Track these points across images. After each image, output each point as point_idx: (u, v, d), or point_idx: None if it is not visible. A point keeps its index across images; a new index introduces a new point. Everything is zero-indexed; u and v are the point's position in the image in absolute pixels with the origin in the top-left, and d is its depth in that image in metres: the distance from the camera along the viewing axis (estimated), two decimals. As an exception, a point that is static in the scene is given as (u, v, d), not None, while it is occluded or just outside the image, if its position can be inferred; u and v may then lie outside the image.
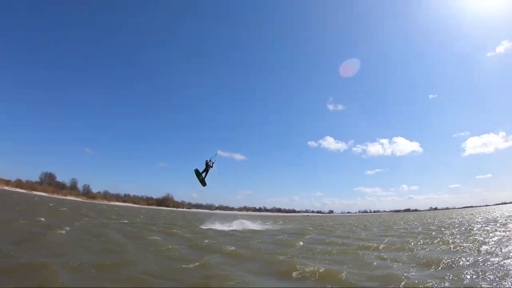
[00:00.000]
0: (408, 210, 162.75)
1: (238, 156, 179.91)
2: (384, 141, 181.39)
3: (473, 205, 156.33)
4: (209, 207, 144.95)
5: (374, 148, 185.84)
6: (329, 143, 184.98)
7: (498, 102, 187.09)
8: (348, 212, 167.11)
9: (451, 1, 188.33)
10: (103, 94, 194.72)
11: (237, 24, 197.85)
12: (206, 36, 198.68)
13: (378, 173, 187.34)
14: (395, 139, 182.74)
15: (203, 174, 22.90)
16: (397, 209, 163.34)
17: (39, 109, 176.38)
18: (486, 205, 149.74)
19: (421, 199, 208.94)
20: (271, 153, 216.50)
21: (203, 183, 23.10)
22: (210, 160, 22.41)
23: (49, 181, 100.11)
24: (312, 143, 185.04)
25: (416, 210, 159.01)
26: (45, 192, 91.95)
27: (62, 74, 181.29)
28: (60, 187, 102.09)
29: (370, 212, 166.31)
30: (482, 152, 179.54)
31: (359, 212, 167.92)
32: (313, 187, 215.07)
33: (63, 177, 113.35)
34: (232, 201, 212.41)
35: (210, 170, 22.81)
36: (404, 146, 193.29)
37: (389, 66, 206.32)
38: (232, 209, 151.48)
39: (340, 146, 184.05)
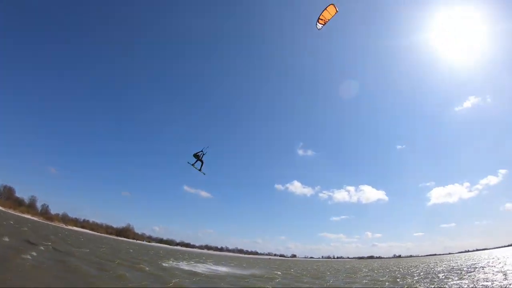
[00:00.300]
0: (371, 257, 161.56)
1: (204, 194, 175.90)
2: (351, 188, 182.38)
3: (437, 253, 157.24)
4: (170, 242, 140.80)
5: (341, 195, 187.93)
6: (296, 187, 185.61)
7: (464, 154, 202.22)
8: (311, 257, 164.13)
9: (423, 58, 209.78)
10: (73, 118, 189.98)
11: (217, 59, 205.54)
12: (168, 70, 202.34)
13: (343, 219, 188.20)
14: (362, 187, 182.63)
15: (199, 165, 20.99)
16: (361, 255, 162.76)
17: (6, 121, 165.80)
18: (450, 253, 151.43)
19: (385, 247, 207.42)
20: (237, 193, 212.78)
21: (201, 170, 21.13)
22: (201, 151, 20.75)
23: (7, 195, 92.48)
24: (279, 186, 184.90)
25: (379, 258, 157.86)
26: (2, 206, 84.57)
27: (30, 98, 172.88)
28: (18, 203, 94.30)
29: (334, 258, 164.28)
30: (447, 201, 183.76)
31: (322, 257, 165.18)
32: (277, 231, 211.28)
33: (22, 193, 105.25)
34: (194, 238, 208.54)
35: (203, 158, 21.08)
36: (370, 194, 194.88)
37: (359, 116, 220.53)
38: (193, 246, 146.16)
39: (307, 191, 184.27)
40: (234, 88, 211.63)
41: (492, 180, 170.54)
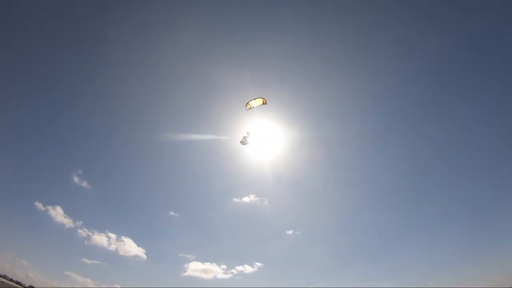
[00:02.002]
0: None
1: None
2: (113, 235, 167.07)
3: None
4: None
5: (100, 239, 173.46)
6: (58, 213, 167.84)
7: (230, 239, 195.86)
8: None
9: (226, 152, 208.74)
10: None
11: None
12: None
13: (95, 264, 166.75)
14: (124, 238, 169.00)
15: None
16: None
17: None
18: None
19: None
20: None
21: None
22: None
23: None
24: (39, 205, 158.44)
25: None
26: None
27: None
28: None
29: None
30: (202, 277, 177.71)
31: None
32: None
33: None
34: None
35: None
36: (130, 247, 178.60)
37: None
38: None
39: (68, 222, 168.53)
40: None
41: (247, 269, 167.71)
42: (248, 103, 19.66)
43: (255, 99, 19.36)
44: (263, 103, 19.31)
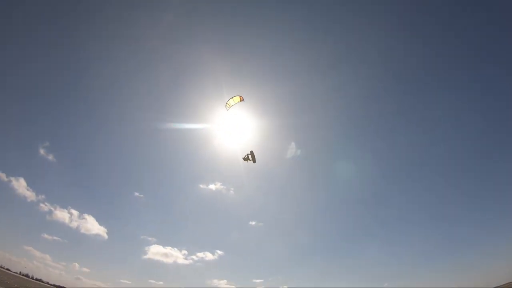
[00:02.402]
0: None
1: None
2: (75, 212, 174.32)
3: None
4: None
5: (63, 214, 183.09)
6: (21, 185, 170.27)
7: (193, 225, 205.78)
8: (8, 269, 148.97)
9: (199, 139, 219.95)
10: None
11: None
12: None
13: (55, 240, 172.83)
14: (87, 215, 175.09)
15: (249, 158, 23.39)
16: (63, 285, 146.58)
17: None
18: None
19: (89, 283, 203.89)
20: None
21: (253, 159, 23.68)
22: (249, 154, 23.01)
23: None
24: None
25: None
26: None
27: None
28: None
29: (33, 278, 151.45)
30: (162, 260, 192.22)
31: (20, 273, 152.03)
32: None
33: None
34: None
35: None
36: (92, 226, 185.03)
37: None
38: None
39: (30, 195, 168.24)
40: None
41: (208, 256, 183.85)
42: (226, 103, 20.47)
43: (232, 98, 20.18)
44: (240, 100, 20.30)
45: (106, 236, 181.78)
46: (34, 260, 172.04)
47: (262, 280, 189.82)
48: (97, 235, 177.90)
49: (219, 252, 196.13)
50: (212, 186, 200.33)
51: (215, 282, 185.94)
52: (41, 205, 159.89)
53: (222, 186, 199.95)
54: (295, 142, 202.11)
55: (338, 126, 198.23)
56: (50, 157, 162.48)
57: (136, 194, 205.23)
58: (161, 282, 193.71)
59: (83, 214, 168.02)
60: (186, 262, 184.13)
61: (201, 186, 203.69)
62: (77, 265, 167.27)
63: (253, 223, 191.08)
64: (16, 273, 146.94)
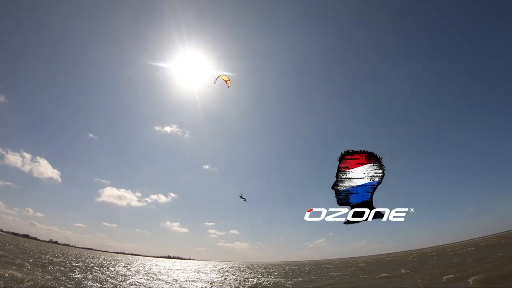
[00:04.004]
0: (27, 236, 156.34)
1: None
2: (28, 155, 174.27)
3: (93, 248, 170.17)
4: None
5: (14, 158, 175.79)
6: None
7: (148, 167, 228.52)
8: None
9: (158, 81, 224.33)
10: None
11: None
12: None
13: (7, 186, 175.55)
14: (40, 159, 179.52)
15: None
16: (17, 232, 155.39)
17: None
18: (106, 251, 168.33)
19: (44, 229, 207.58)
20: None
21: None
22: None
23: None
24: None
25: (35, 239, 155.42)
26: None
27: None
28: None
29: None
30: (116, 203, 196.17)
31: None
32: None
33: None
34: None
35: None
36: (45, 169, 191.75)
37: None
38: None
39: None
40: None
41: (162, 198, 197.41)
42: (218, 77, 21.14)
43: (223, 76, 21.00)
44: (226, 80, 21.12)
45: (59, 179, 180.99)
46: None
47: (214, 223, 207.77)
48: (51, 178, 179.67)
49: (173, 194, 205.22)
50: (167, 129, 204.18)
51: (168, 224, 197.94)
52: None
53: (178, 129, 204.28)
54: (253, 89, 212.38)
55: (296, 76, 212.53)
56: (2, 98, 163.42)
57: (91, 135, 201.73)
58: (115, 225, 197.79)
59: (36, 157, 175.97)
60: (140, 204, 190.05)
61: (157, 128, 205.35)
62: (31, 210, 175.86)
63: (207, 167, 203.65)
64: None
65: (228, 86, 21.03)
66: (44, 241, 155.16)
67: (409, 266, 25.09)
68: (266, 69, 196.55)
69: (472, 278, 11.86)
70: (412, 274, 18.01)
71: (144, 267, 34.84)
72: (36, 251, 34.37)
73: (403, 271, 19.84)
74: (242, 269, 44.67)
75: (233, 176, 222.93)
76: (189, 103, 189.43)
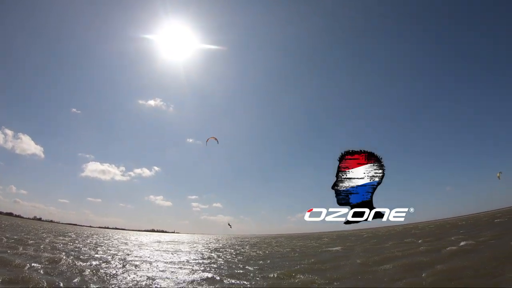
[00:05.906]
0: (10, 214, 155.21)
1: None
2: (10, 132, 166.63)
3: (78, 224, 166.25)
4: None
5: None
6: None
7: (132, 141, 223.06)
8: None
9: (140, 53, 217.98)
10: None
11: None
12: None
13: None
14: (22, 135, 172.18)
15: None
16: (0, 210, 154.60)
17: None
18: (90, 226, 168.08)
19: (28, 206, 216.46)
20: None
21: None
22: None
23: None
24: None
25: (19, 216, 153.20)
26: None
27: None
28: None
29: None
30: (100, 178, 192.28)
31: None
32: None
33: None
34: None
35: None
36: (28, 146, 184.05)
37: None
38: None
39: None
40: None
41: (145, 172, 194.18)
42: (207, 139, 25.68)
43: (211, 138, 25.55)
44: (215, 139, 25.45)
45: (42, 155, 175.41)
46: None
47: (197, 197, 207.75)
48: (34, 154, 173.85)
49: (156, 168, 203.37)
50: (151, 102, 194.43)
51: (152, 198, 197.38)
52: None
53: (162, 103, 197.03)
54: (239, 64, 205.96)
55: (283, 53, 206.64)
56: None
57: (73, 110, 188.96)
58: (99, 200, 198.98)
59: (18, 133, 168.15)
60: (124, 178, 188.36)
61: (140, 101, 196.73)
62: (14, 187, 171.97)
63: (191, 140, 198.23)
64: None
65: (218, 143, 25.62)
66: (28, 218, 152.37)
67: (360, 240, 27.97)
68: (253, 44, 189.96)
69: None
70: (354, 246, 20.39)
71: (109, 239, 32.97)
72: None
73: (348, 244, 23.34)
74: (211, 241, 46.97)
75: (218, 151, 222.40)
76: (174, 76, 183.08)
